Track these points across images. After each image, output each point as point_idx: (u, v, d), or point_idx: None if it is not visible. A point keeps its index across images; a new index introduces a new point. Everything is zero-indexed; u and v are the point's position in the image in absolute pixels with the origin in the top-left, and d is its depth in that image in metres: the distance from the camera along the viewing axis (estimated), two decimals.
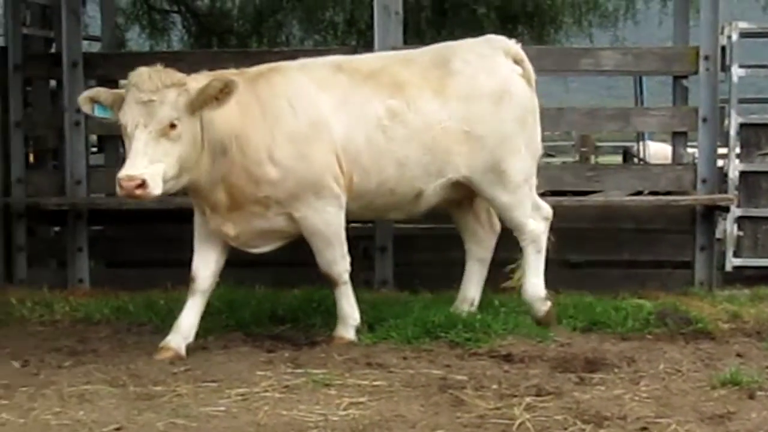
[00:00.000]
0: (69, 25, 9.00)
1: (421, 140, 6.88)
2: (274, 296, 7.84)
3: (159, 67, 6.38)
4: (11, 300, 8.21)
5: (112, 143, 9.69)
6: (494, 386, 5.79)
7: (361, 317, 7.04)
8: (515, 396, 5.58)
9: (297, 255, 8.32)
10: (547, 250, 7.34)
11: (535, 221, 7.25)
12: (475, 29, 15.16)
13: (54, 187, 9.20)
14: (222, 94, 6.31)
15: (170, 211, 8.52)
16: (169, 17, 17.43)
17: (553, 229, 7.40)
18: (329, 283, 7.00)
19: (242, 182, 6.58)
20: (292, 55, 9.01)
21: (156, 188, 6.06)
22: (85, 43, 10.18)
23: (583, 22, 17.05)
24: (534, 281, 7.27)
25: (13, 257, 9.19)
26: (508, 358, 6.46)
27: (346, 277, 6.95)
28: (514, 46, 7.31)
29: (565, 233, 7.72)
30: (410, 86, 6.94)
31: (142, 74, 6.26)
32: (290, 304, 7.66)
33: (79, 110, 8.72)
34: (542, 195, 9.51)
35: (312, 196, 6.67)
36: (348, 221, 6.96)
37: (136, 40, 17.70)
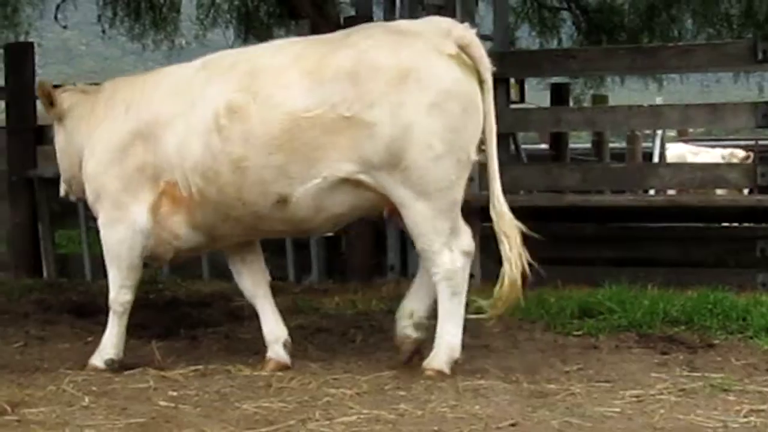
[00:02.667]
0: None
1: (267, 136, 5.79)
2: (667, 296, 7.63)
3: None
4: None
5: (504, 142, 9.80)
6: None
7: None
8: None
9: (690, 255, 8.15)
10: None
11: (450, 253, 5.87)
12: None
13: None
14: (44, 98, 6.60)
15: (560, 208, 8.53)
16: (559, 14, 17.43)
17: None
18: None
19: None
20: (685, 51, 8.83)
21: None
22: None
23: None
24: (448, 328, 5.92)
25: (407, 252, 9.41)
26: None
27: (117, 308, 6.30)
28: (459, 29, 5.95)
29: None
30: (267, 72, 5.90)
31: None
32: (684, 305, 7.39)
33: None
34: None
35: (106, 209, 6.24)
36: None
37: (525, 38, 17.83)
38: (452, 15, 9.48)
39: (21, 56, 10.28)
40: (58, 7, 16.99)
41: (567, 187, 9.09)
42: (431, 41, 5.80)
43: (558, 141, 13.75)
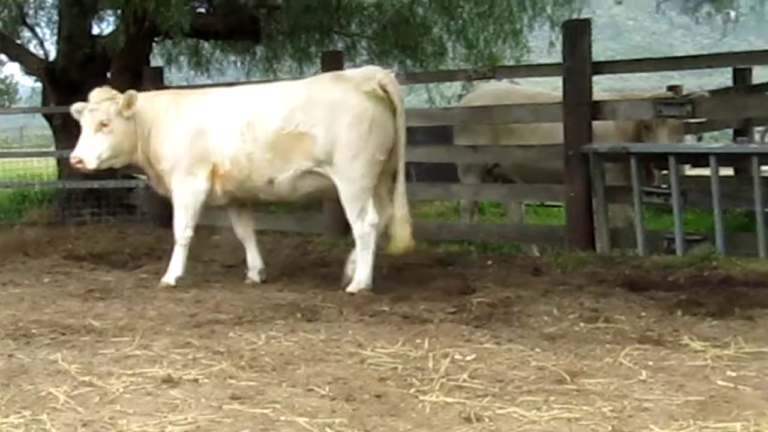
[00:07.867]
0: None
1: (264, 141, 8.83)
2: None
3: (105, 87, 9.50)
4: None
5: None
6: None
7: None
8: None
9: None
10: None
11: (362, 223, 8.64)
12: None
13: None
14: (126, 106, 9.16)
15: None
16: None
17: None
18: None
19: (153, 160, 9.38)
20: None
21: (90, 164, 9.18)
22: None
23: None
24: (360, 269, 8.65)
25: None
26: None
27: (181, 241, 9.22)
28: (381, 74, 8.76)
29: None
30: (266, 103, 8.94)
31: (92, 93, 9.32)
32: None
33: None
34: None
35: (181, 175, 9.14)
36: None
37: None
38: None
39: (579, 33, 10.45)
40: None
41: None
42: (355, 82, 8.68)
43: None
